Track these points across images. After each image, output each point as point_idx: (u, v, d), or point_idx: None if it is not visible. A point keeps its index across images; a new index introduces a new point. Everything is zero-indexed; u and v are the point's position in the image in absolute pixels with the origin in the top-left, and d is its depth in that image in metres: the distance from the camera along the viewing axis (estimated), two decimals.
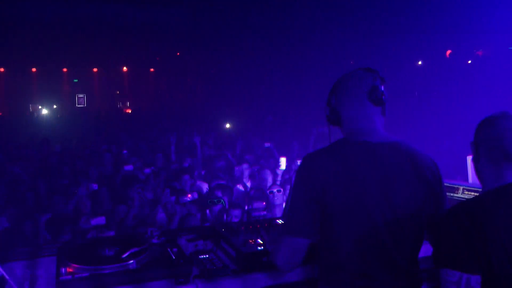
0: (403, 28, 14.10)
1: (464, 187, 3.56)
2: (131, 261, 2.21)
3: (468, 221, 1.59)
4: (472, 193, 3.50)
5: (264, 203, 5.13)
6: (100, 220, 3.79)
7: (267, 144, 10.06)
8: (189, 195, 4.11)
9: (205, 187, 6.60)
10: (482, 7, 11.08)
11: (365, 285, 1.84)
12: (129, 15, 14.33)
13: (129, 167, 7.14)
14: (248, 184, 7.08)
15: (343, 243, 1.85)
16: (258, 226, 2.97)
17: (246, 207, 5.20)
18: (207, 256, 2.67)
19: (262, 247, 2.58)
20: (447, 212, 1.71)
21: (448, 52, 16.87)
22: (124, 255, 2.24)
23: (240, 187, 6.99)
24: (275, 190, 5.33)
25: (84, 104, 22.25)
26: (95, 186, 5.82)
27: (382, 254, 1.84)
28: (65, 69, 22.01)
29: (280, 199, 5.36)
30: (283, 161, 6.58)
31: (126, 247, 2.31)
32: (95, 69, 22.41)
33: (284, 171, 6.91)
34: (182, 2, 13.47)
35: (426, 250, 1.98)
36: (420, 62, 18.06)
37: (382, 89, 1.96)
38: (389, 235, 1.83)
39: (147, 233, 2.59)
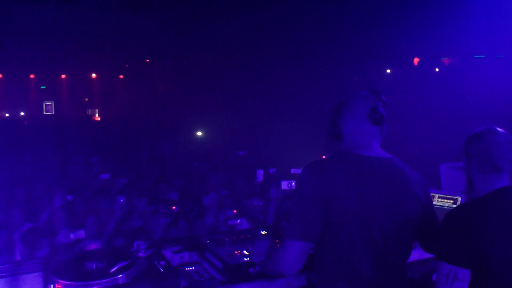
0: (371, 36, 14.34)
1: (439, 194, 3.71)
2: (120, 275, 2.20)
3: (464, 222, 1.86)
4: (446, 200, 3.65)
5: (235, 211, 5.15)
6: (80, 233, 3.72)
7: (241, 153, 10.06)
8: (174, 207, 4.09)
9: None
10: (448, 15, 11.40)
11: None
12: (98, 21, 14.14)
13: (105, 176, 7.03)
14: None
15: (341, 249, 1.96)
16: (242, 237, 2.99)
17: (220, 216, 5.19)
18: (193, 268, 2.68)
19: (248, 258, 2.60)
20: (446, 214, 1.96)
21: (416, 60, 17.21)
22: (113, 270, 2.23)
23: (213, 195, 6.99)
24: (255, 203, 5.34)
25: (52, 112, 21.77)
26: (69, 197, 5.69)
27: (377, 259, 1.97)
28: (32, 76, 21.53)
29: (257, 211, 5.39)
30: (260, 174, 6.57)
31: (114, 261, 2.30)
32: (63, 76, 21.97)
33: (261, 182, 6.88)
34: (151, 9, 13.39)
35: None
36: (388, 71, 18.37)
37: (382, 111, 2.11)
38: (383, 242, 1.97)
39: (134, 247, 2.57)
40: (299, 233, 1.95)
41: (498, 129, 1.99)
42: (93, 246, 3.38)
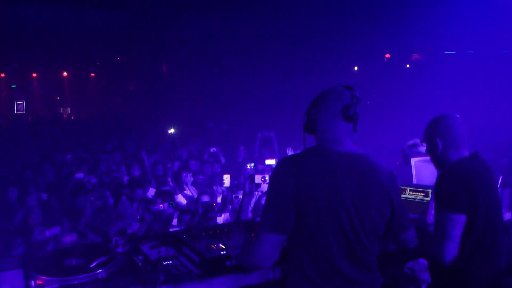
0: (341, 32, 14.47)
1: (410, 188, 3.86)
2: (100, 270, 2.25)
3: (460, 177, 2.42)
4: (417, 193, 3.79)
5: (215, 204, 5.22)
6: (55, 230, 3.74)
7: (212, 149, 10.03)
8: (161, 205, 4.12)
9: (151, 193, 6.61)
10: (420, 12, 11.60)
11: (333, 281, 2.04)
12: (68, 19, 13.94)
13: (80, 175, 6.99)
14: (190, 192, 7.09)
15: (313, 241, 2.03)
16: (218, 231, 3.07)
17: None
18: (170, 262, 2.75)
19: (225, 252, 2.68)
20: (445, 172, 2.50)
21: (387, 56, 17.43)
22: (92, 265, 2.28)
23: (187, 192, 7.04)
24: (240, 196, 5.40)
25: (23, 111, 21.39)
26: (44, 196, 5.67)
27: (348, 252, 2.05)
28: (2, 74, 21.11)
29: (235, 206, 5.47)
30: (226, 178, 6.60)
31: (93, 257, 2.35)
32: (34, 74, 21.61)
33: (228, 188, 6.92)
34: (122, 7, 13.27)
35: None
36: (356, 68, 18.56)
37: (355, 108, 2.18)
38: (354, 235, 2.04)
39: (112, 242, 2.62)
40: (273, 226, 2.02)
41: (451, 114, 2.62)
42: (68, 238, 3.39)
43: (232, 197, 5.55)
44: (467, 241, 2.38)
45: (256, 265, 2.12)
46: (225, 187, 6.58)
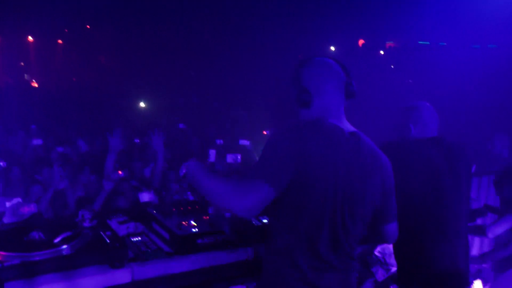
0: (315, 13, 14.37)
1: None
2: (64, 246, 2.12)
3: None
4: None
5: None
6: (16, 201, 3.55)
7: (181, 125, 9.84)
8: (120, 171, 3.94)
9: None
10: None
11: (313, 264, 1.94)
12: None
13: (38, 141, 6.67)
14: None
15: (298, 222, 1.91)
16: (190, 208, 2.97)
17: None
18: (139, 238, 2.64)
19: (197, 229, 2.59)
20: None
21: (361, 42, 17.44)
22: (56, 240, 2.15)
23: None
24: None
25: None
26: (3, 163, 5.39)
27: (332, 236, 1.95)
28: None
29: None
30: (212, 153, 6.40)
31: (57, 232, 2.21)
32: None
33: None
34: None
35: None
36: (332, 48, 18.48)
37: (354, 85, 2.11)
38: (341, 219, 1.94)
39: (78, 216, 2.49)
40: (268, 176, 1.83)
41: (423, 102, 2.84)
42: (26, 209, 3.20)
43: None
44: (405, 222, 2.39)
45: (235, 209, 1.82)
46: (210, 162, 6.42)
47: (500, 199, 3.87)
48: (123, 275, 2.25)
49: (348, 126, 2.06)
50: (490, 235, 3.57)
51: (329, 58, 2.14)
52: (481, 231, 3.61)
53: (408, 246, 2.64)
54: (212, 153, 6.26)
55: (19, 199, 3.56)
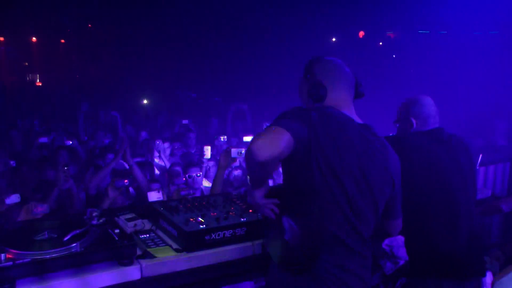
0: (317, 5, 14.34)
1: None
2: (74, 244, 2.14)
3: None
4: None
5: (184, 179, 5.12)
6: (15, 198, 3.51)
7: (185, 121, 9.90)
8: (126, 180, 3.96)
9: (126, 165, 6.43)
10: None
11: (333, 249, 2.00)
12: None
13: (43, 139, 6.72)
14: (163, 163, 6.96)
15: (318, 208, 1.97)
16: (197, 204, 2.98)
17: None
18: (147, 235, 2.66)
19: (204, 226, 2.61)
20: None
21: (361, 33, 17.36)
22: (66, 238, 2.17)
23: (160, 162, 6.90)
24: (194, 175, 5.28)
25: None
26: (13, 162, 5.42)
27: (349, 222, 2.01)
28: None
29: (199, 183, 5.37)
30: (207, 150, 6.43)
31: (66, 230, 2.23)
32: (1, 38, 20.77)
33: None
34: None
35: None
36: (334, 39, 18.41)
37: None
38: (357, 207, 2.01)
39: (86, 214, 2.51)
40: (289, 127, 1.88)
41: (424, 96, 2.87)
42: (39, 209, 3.21)
43: (189, 175, 5.34)
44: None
45: (254, 152, 1.83)
46: (206, 158, 6.45)
47: None
48: (132, 272, 2.27)
49: (358, 120, 2.14)
50: (505, 208, 3.57)
51: (340, 60, 2.25)
52: (496, 208, 3.63)
53: (417, 239, 2.70)
54: (207, 149, 6.29)
55: (18, 195, 3.52)
